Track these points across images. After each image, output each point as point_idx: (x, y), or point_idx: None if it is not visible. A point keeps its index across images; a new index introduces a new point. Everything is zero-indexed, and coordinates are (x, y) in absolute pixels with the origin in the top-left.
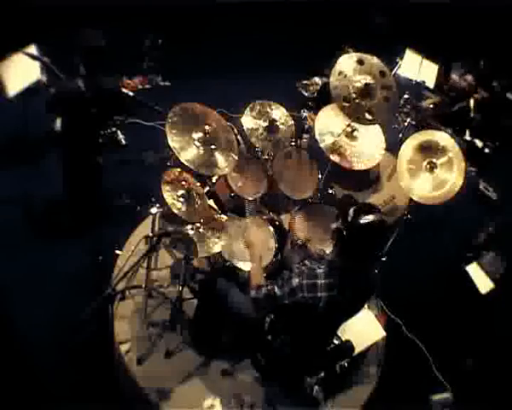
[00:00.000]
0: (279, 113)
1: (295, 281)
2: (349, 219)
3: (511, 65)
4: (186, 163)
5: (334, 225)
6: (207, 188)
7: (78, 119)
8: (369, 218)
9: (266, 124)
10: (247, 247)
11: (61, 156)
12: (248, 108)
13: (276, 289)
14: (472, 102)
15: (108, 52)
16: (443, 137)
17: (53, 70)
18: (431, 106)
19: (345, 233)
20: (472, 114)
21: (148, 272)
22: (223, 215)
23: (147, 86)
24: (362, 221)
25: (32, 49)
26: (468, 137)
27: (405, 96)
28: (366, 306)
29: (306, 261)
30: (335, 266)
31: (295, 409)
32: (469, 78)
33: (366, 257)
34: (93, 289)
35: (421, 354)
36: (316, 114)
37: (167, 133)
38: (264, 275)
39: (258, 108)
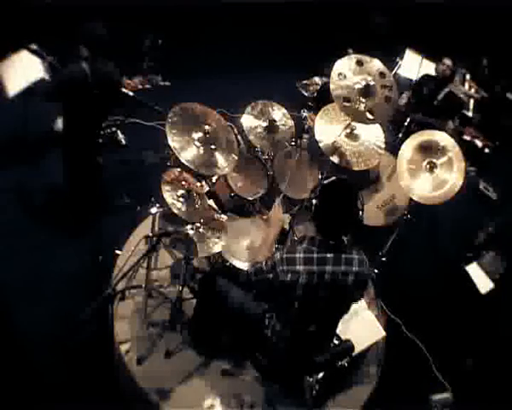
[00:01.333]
0: (280, 113)
1: (277, 255)
2: (317, 191)
3: (511, 65)
4: (186, 163)
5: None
6: (207, 188)
7: (81, 106)
8: (332, 178)
9: (266, 124)
10: (269, 222)
11: (62, 156)
12: (249, 108)
13: (264, 264)
14: (472, 100)
15: (110, 42)
16: (443, 138)
17: (53, 65)
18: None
19: (316, 204)
20: (461, 96)
21: (148, 272)
22: (223, 215)
23: (147, 86)
24: (325, 182)
25: (33, 47)
26: (467, 137)
27: (405, 94)
28: (366, 305)
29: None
30: (314, 242)
31: (295, 409)
32: (447, 61)
33: (339, 223)
34: (93, 289)
35: (421, 354)
36: (316, 114)
37: (167, 133)
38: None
39: (259, 107)
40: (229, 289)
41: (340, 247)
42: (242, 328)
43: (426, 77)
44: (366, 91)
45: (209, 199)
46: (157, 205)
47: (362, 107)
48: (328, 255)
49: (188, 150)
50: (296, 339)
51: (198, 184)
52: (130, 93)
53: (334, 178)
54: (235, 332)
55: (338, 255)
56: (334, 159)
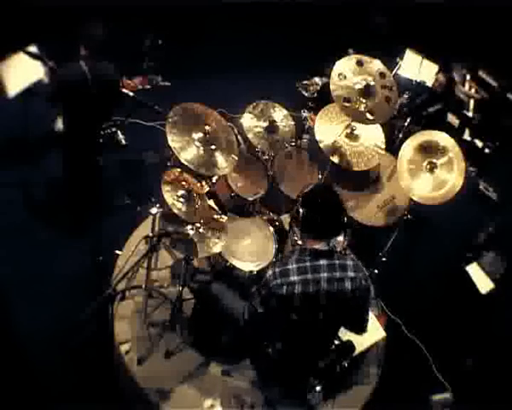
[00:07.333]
0: (280, 114)
1: (269, 271)
2: (300, 200)
3: (511, 65)
4: (186, 163)
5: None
6: (207, 188)
7: (81, 106)
8: (310, 186)
9: (266, 124)
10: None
11: (62, 156)
12: (250, 108)
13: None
14: (472, 100)
15: (108, 41)
16: (443, 138)
17: (54, 69)
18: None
19: (304, 212)
20: (447, 116)
21: (148, 272)
22: (223, 215)
23: (147, 86)
24: (305, 190)
25: (32, 48)
26: (468, 137)
27: (405, 95)
28: None
29: None
30: (306, 251)
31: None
32: (441, 78)
33: (330, 224)
34: (93, 289)
35: (421, 354)
36: (316, 114)
37: (167, 133)
38: None
39: (259, 107)
40: (223, 296)
41: (333, 254)
42: (240, 333)
43: (423, 86)
44: (366, 92)
45: (209, 199)
46: (157, 205)
47: (362, 107)
48: (321, 262)
49: (188, 150)
50: (297, 351)
51: (198, 184)
52: (131, 93)
53: (312, 185)
54: (235, 334)
55: (331, 262)
56: (335, 159)
